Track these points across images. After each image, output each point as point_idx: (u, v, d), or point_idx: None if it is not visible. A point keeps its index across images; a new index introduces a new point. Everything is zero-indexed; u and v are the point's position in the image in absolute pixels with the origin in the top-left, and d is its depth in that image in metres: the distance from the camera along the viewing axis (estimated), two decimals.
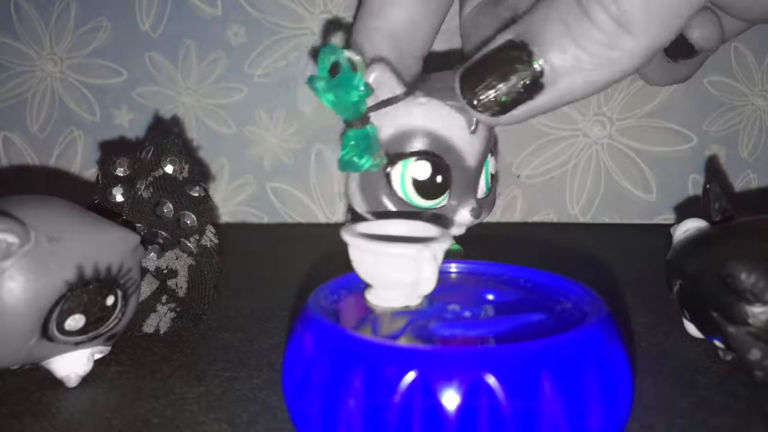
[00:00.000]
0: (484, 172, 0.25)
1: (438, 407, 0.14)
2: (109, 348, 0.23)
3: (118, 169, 0.25)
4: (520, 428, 0.14)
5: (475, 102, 0.22)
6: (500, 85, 0.21)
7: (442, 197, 0.24)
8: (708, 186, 0.26)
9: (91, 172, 0.45)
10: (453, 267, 0.21)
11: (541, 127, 0.44)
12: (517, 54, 0.21)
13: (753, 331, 0.20)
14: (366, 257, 0.18)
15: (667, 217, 0.45)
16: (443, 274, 0.20)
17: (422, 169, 0.24)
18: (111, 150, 0.44)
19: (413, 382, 0.15)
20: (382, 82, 0.24)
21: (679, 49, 0.25)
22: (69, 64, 0.44)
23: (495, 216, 0.45)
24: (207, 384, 0.22)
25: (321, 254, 0.37)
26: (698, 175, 0.45)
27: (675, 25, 0.20)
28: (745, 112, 0.44)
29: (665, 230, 0.26)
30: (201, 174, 0.26)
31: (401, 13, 0.26)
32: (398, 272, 0.18)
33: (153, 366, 0.23)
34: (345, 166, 0.24)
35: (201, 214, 0.25)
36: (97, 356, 0.23)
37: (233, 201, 0.45)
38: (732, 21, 0.25)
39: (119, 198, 0.25)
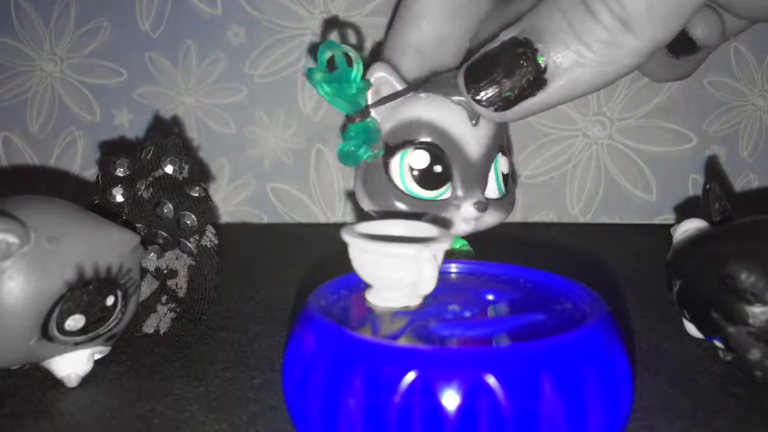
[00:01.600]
0: (494, 170, 0.25)
1: (438, 407, 0.14)
2: (109, 348, 0.23)
3: (118, 169, 0.25)
4: (520, 428, 0.14)
5: (479, 97, 0.22)
6: (504, 81, 0.22)
7: (444, 188, 0.24)
8: (708, 186, 0.26)
9: (91, 172, 0.45)
10: (453, 267, 0.21)
11: (541, 127, 0.44)
12: (522, 50, 0.21)
13: (753, 331, 0.20)
14: (366, 257, 0.18)
15: (667, 217, 0.45)
16: (443, 274, 0.20)
17: (420, 159, 0.24)
18: (111, 150, 0.44)
19: (413, 382, 0.15)
20: (383, 79, 0.24)
21: (681, 45, 0.26)
22: (69, 64, 0.44)
23: None
24: (207, 384, 0.22)
25: (321, 254, 0.37)
26: (698, 175, 0.45)
27: (677, 23, 0.20)
28: (745, 112, 0.44)
29: (665, 230, 0.26)
30: (201, 174, 0.26)
31: (429, 29, 0.26)
32: (398, 272, 0.18)
33: (153, 366, 0.23)
34: (343, 157, 0.25)
35: (201, 214, 0.25)
36: (97, 356, 0.23)
37: (233, 201, 0.45)
38: (733, 19, 0.25)
39: (119, 198, 0.25)
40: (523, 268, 0.21)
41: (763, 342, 0.20)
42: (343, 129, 0.25)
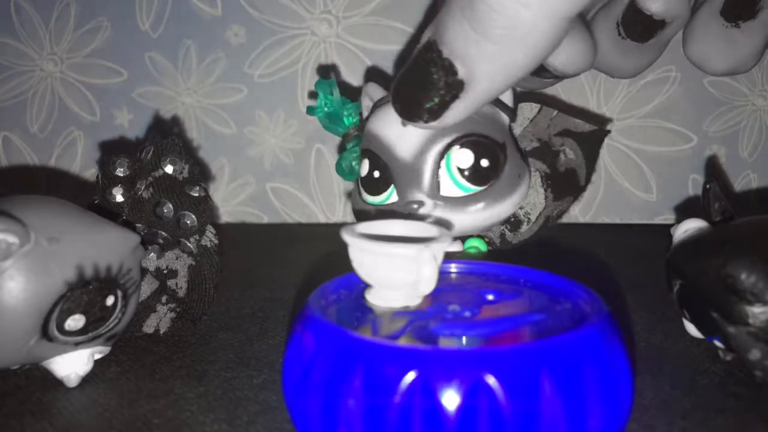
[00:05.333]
0: (445, 167, 0.24)
1: (438, 407, 0.14)
2: (109, 348, 0.23)
3: (118, 169, 0.25)
4: (520, 428, 0.14)
5: (405, 113, 0.22)
6: (422, 92, 0.21)
7: (387, 193, 0.25)
8: (708, 186, 0.26)
9: (91, 172, 0.45)
10: (453, 267, 0.21)
11: None
12: (430, 56, 0.21)
13: (753, 331, 0.20)
14: (366, 257, 0.18)
15: (667, 217, 0.45)
16: (443, 274, 0.20)
17: (364, 166, 0.26)
18: (111, 150, 0.44)
19: (413, 382, 0.15)
20: (367, 92, 0.27)
21: (742, 4, 0.23)
22: (69, 64, 0.44)
23: None
24: (207, 384, 0.22)
25: (321, 254, 0.37)
26: (698, 175, 0.45)
27: None
28: (745, 112, 0.44)
29: (665, 230, 0.26)
30: (201, 174, 0.26)
31: None
32: (398, 272, 0.18)
33: (153, 366, 0.23)
34: (342, 171, 0.28)
35: (201, 214, 0.25)
36: (97, 356, 0.23)
37: (233, 201, 0.45)
38: None
39: (119, 198, 0.25)
40: (523, 268, 0.21)
41: (763, 342, 0.20)
42: (341, 147, 0.26)
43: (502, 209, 0.25)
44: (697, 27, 0.25)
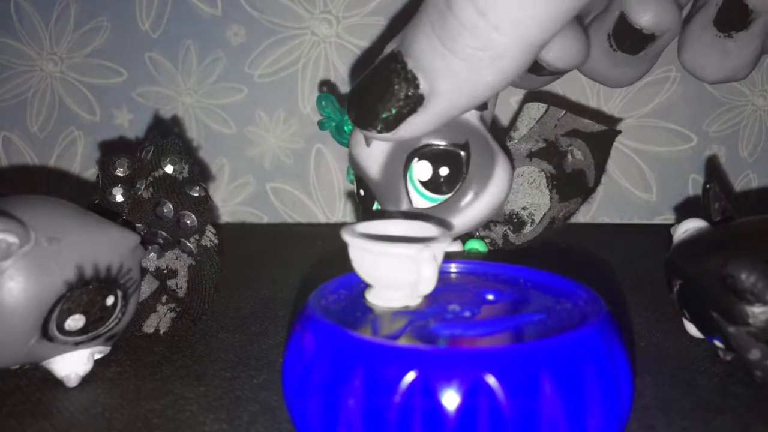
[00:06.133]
0: (409, 181, 0.24)
1: (438, 407, 0.14)
2: (109, 348, 0.23)
3: (118, 169, 0.25)
4: (520, 428, 0.14)
5: (359, 120, 0.21)
6: (380, 102, 0.20)
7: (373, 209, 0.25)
8: (708, 186, 0.26)
9: (91, 172, 0.45)
10: (453, 267, 0.21)
11: None
12: (393, 66, 0.20)
13: (753, 331, 0.20)
14: (366, 257, 0.18)
15: (667, 217, 0.45)
16: (443, 274, 0.20)
17: (355, 185, 0.26)
18: (111, 150, 0.44)
19: (413, 382, 0.15)
20: None
21: (735, 15, 0.23)
22: (69, 64, 0.44)
23: None
24: (207, 384, 0.22)
25: (321, 254, 0.37)
26: (698, 175, 0.45)
27: (551, 17, 0.18)
28: (745, 112, 0.44)
29: (665, 230, 0.26)
30: (201, 174, 0.26)
31: None
32: (398, 272, 0.18)
33: (153, 366, 0.23)
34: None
35: (201, 214, 0.25)
36: (97, 356, 0.23)
37: (233, 201, 0.45)
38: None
39: (119, 198, 0.25)
40: (523, 268, 0.21)
41: (763, 342, 0.20)
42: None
43: (487, 201, 0.24)
44: (691, 36, 0.25)
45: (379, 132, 0.21)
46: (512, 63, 0.19)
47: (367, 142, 0.24)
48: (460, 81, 0.19)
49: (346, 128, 0.27)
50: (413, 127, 0.21)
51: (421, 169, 0.24)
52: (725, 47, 0.24)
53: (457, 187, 0.24)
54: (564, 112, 0.27)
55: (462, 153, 0.24)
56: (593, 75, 0.27)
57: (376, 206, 0.25)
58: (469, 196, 0.24)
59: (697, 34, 0.25)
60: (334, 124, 0.27)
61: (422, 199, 0.24)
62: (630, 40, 0.24)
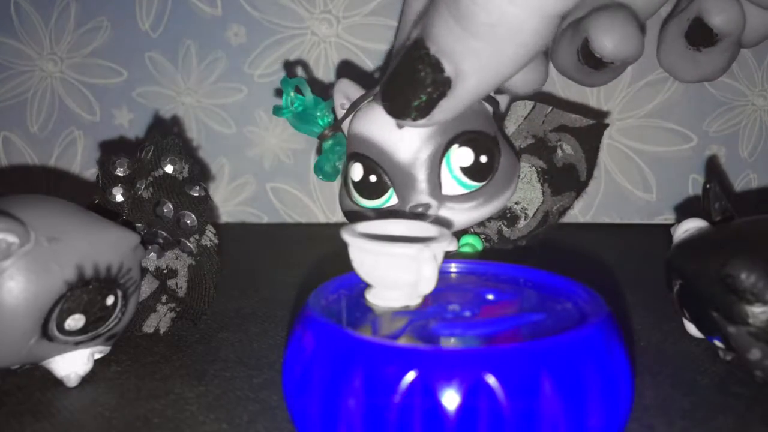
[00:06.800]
0: (446, 165, 0.24)
1: (438, 407, 0.14)
2: (109, 348, 0.23)
3: (118, 169, 0.25)
4: (520, 428, 0.14)
5: (393, 111, 0.22)
6: (410, 89, 0.21)
7: (386, 196, 0.25)
8: (708, 186, 0.26)
9: (91, 172, 0.45)
10: (453, 267, 0.21)
11: None
12: (417, 53, 0.20)
13: (753, 331, 0.20)
14: (366, 257, 0.18)
15: (667, 217, 0.45)
16: (443, 274, 0.20)
17: (356, 171, 0.25)
18: (111, 150, 0.44)
19: (413, 382, 0.15)
20: (341, 89, 0.26)
21: (699, 34, 0.24)
22: (69, 64, 0.44)
23: None
24: (207, 384, 0.22)
25: (321, 254, 0.37)
26: (698, 175, 0.45)
27: None
28: (745, 112, 0.44)
29: (665, 230, 0.26)
30: (201, 174, 0.26)
31: None
32: (398, 272, 0.18)
33: (153, 366, 0.23)
34: (320, 173, 0.27)
35: (201, 214, 0.25)
36: (97, 356, 0.23)
37: (233, 201, 0.45)
38: (756, 14, 0.24)
39: (119, 198, 0.25)
40: (523, 268, 0.21)
41: (763, 342, 0.20)
42: (318, 149, 0.26)
43: (500, 202, 0.25)
44: (667, 39, 0.26)
45: (414, 120, 0.22)
46: (532, 35, 0.19)
47: (400, 125, 0.24)
48: (483, 59, 0.20)
49: (320, 120, 0.26)
50: (445, 110, 0.21)
51: (463, 155, 0.24)
52: (695, 57, 0.25)
53: (489, 178, 0.24)
54: (551, 108, 0.27)
55: (494, 145, 0.25)
56: (571, 77, 0.27)
57: (386, 198, 0.25)
58: (495, 190, 0.25)
59: (671, 39, 0.26)
60: (293, 110, 0.26)
61: (457, 186, 0.24)
62: (593, 61, 0.25)
